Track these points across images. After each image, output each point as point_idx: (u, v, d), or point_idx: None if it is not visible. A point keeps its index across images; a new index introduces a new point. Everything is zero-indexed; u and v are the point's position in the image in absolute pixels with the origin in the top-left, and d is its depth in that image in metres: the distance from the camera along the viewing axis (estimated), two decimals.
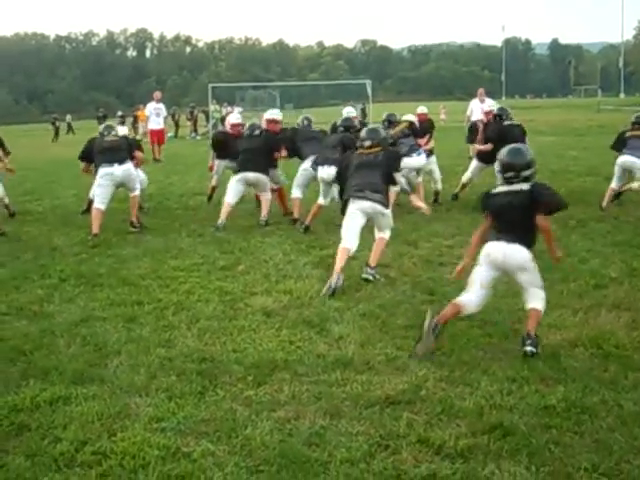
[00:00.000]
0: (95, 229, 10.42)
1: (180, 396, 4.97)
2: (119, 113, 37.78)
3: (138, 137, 26.51)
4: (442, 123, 47.95)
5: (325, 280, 7.67)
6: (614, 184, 12.02)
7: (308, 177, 11.51)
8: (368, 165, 8.15)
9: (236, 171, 11.61)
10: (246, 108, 44.93)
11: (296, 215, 11.38)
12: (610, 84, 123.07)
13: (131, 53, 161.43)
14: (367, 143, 8.30)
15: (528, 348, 5.57)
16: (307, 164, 11.40)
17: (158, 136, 24.45)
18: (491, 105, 14.75)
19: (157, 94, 25.30)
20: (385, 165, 8.18)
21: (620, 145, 12.14)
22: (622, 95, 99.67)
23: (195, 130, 40.34)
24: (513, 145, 6.36)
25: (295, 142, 11.84)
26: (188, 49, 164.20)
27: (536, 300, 5.89)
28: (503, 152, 6.14)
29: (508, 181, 6.01)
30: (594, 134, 26.37)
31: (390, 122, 12.18)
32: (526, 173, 5.95)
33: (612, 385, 5.00)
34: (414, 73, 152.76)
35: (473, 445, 4.21)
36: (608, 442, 4.22)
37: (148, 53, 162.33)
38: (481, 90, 21.21)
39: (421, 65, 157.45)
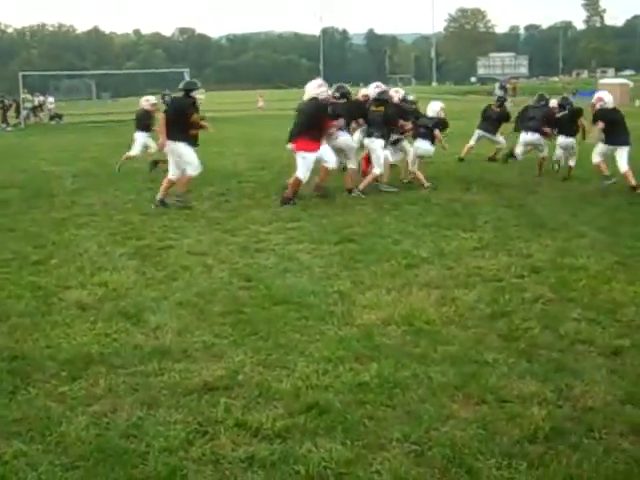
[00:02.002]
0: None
1: None
2: None
3: None
4: (260, 111, 48.58)
5: (141, 271, 7.70)
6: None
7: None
8: None
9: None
10: (60, 97, 43.30)
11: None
12: (423, 73, 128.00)
13: None
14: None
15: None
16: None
17: None
18: None
19: None
20: None
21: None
22: (434, 84, 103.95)
23: (5, 121, 37.97)
24: None
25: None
26: None
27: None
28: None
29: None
30: None
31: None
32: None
33: (423, 359, 5.22)
34: (233, 62, 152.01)
35: (290, 425, 4.28)
36: (419, 412, 4.41)
37: None
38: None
39: (240, 54, 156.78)
